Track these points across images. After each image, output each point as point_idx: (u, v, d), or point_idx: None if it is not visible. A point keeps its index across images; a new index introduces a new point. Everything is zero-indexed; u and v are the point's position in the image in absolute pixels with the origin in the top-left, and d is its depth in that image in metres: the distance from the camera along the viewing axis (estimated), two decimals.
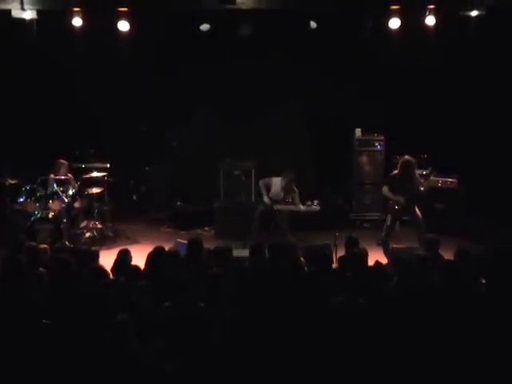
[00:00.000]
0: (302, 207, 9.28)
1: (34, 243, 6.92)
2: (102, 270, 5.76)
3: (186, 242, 7.04)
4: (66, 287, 5.46)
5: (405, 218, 8.68)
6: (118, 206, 10.77)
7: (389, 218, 8.49)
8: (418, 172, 8.70)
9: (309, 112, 11.40)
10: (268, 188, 9.41)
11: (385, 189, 8.52)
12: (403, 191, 8.28)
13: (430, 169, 8.94)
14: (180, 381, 4.15)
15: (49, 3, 9.49)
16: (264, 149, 9.85)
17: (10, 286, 5.40)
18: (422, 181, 8.58)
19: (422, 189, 8.41)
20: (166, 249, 6.50)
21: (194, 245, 6.59)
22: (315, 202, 10.31)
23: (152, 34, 10.25)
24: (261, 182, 9.54)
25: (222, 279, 5.28)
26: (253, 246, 6.55)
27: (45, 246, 6.95)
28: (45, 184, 9.53)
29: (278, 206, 9.30)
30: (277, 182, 9.39)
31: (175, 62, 11.08)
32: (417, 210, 8.41)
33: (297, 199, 9.37)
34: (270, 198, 9.34)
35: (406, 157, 8.42)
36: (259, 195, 9.70)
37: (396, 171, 8.46)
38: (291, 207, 9.30)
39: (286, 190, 9.34)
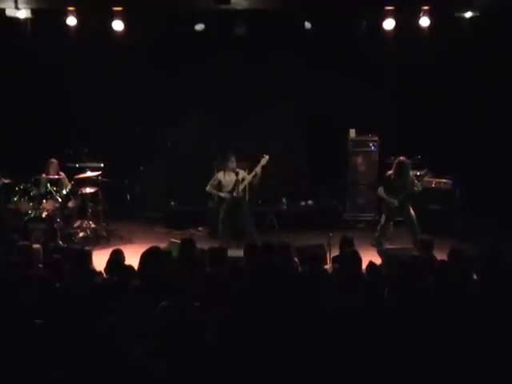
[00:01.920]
0: (254, 173, 9.15)
1: (27, 243, 6.89)
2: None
3: (179, 241, 7.03)
4: (59, 287, 5.44)
5: (399, 218, 8.69)
6: (111, 205, 10.74)
7: (383, 218, 8.52)
8: (412, 173, 8.71)
9: (303, 112, 11.40)
10: (218, 186, 9.31)
11: (380, 189, 8.56)
12: (398, 191, 8.30)
13: (425, 170, 8.98)
14: (174, 381, 4.14)
15: (43, 2, 9.46)
16: (258, 149, 9.85)
17: (3, 286, 5.37)
18: (416, 181, 8.58)
19: (416, 189, 8.42)
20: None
21: (187, 244, 6.58)
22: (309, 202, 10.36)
23: (146, 34, 10.24)
24: (208, 188, 9.34)
25: (216, 279, 5.27)
26: (247, 246, 6.55)
27: (38, 245, 6.92)
28: (37, 184, 9.50)
29: (237, 191, 9.17)
30: (222, 175, 9.31)
31: (169, 62, 11.08)
32: (411, 210, 8.42)
33: (244, 173, 9.25)
34: (228, 192, 9.22)
35: (401, 158, 8.44)
36: (216, 203, 9.55)
37: (391, 171, 8.47)
38: (248, 179, 9.17)
39: (235, 172, 9.23)
